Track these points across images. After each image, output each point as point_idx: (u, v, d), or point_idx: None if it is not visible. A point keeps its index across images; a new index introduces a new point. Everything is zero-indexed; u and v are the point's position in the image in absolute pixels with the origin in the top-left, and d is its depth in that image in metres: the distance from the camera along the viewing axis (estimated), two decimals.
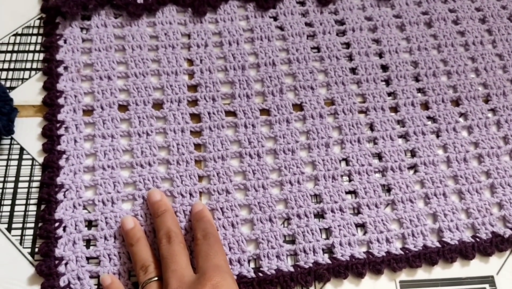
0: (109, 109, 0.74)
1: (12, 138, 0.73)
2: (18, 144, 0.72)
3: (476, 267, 0.70)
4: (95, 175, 0.70)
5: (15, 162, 0.71)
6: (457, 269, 0.69)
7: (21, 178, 0.70)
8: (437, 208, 0.71)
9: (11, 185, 0.70)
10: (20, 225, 0.68)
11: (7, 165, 0.71)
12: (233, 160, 0.73)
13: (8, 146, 0.72)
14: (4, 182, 0.70)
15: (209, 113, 0.75)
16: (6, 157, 0.72)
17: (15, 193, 0.69)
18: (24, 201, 0.69)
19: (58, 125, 0.72)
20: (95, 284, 0.64)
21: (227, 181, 0.71)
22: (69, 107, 0.73)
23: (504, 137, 0.77)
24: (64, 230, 0.66)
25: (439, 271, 0.69)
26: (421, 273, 0.69)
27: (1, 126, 0.68)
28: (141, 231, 0.65)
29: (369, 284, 0.68)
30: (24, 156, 0.71)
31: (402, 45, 0.83)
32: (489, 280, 0.69)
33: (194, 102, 0.76)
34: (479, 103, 0.79)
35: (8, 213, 0.68)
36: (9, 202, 0.69)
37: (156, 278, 0.60)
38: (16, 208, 0.69)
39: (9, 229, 0.67)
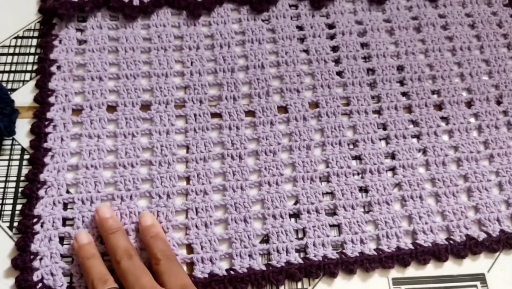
0: (97, 109, 0.74)
1: (13, 139, 0.73)
2: (19, 144, 0.73)
3: (468, 265, 0.69)
4: (78, 174, 0.70)
5: (17, 162, 0.72)
6: (449, 267, 0.69)
7: (22, 178, 0.71)
8: (412, 211, 0.70)
9: (13, 184, 0.70)
10: None
11: (8, 165, 0.71)
12: (215, 161, 0.73)
13: (9, 147, 0.73)
14: (6, 181, 0.71)
15: (195, 115, 0.74)
16: (7, 157, 0.72)
17: (16, 193, 0.70)
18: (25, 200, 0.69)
19: (46, 123, 0.72)
20: (67, 282, 0.65)
21: (206, 182, 0.70)
22: (59, 106, 0.74)
23: (484, 141, 0.76)
24: (41, 226, 0.66)
25: (430, 269, 0.69)
26: (413, 271, 0.69)
27: (3, 127, 0.69)
28: (96, 249, 0.63)
29: (361, 280, 0.68)
30: (25, 157, 0.72)
31: (390, 49, 0.82)
32: (480, 277, 0.69)
33: (182, 104, 0.75)
34: (461, 108, 0.78)
35: (9, 212, 0.69)
36: (11, 201, 0.69)
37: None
38: (18, 207, 0.69)
39: (10, 227, 0.67)
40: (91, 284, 0.58)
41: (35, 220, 0.67)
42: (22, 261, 0.64)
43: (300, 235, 0.69)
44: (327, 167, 0.73)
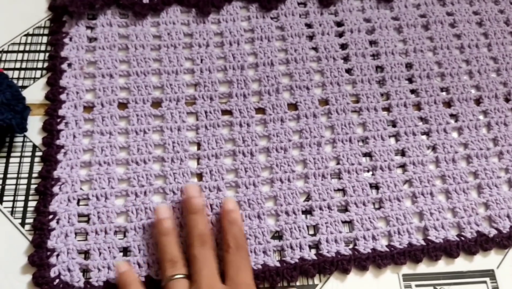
0: (109, 106, 0.74)
1: (25, 136, 0.73)
2: (30, 141, 0.73)
3: (477, 261, 0.70)
4: (91, 170, 0.70)
5: (28, 160, 0.72)
6: (458, 263, 0.69)
7: (33, 175, 0.71)
8: (423, 207, 0.70)
9: (25, 181, 0.70)
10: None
11: (20, 162, 0.71)
12: (226, 158, 0.73)
13: (21, 144, 0.73)
14: (17, 178, 0.71)
15: (206, 112, 0.74)
16: (19, 154, 0.72)
17: (28, 189, 0.70)
18: (37, 197, 0.69)
19: (58, 120, 0.72)
20: (85, 278, 0.65)
21: (219, 179, 0.70)
22: (70, 103, 0.73)
23: (493, 138, 0.76)
24: (57, 222, 0.66)
25: (440, 265, 0.69)
26: (423, 267, 0.69)
27: (15, 124, 0.69)
28: (174, 224, 0.64)
29: (373, 277, 0.68)
30: (37, 154, 0.72)
31: (398, 47, 0.82)
32: (490, 273, 0.69)
33: (192, 101, 0.75)
34: (470, 105, 0.78)
35: (21, 209, 0.69)
36: (23, 198, 0.69)
37: (184, 276, 0.59)
38: (30, 203, 0.69)
39: (22, 224, 0.67)
40: (161, 263, 0.61)
41: (50, 216, 0.67)
42: (39, 258, 0.64)
43: (311, 232, 0.68)
44: (338, 164, 0.73)
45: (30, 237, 0.67)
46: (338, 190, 0.72)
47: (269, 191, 0.70)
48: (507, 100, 0.80)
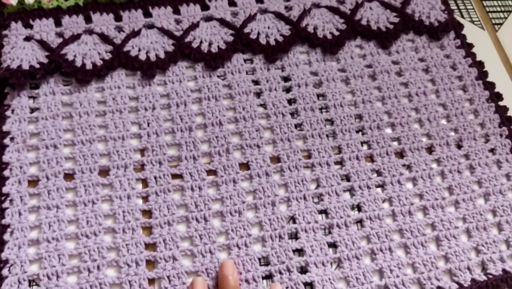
0: (54, 178, 0.70)
1: None
2: None
3: None
4: (40, 248, 0.65)
5: None
6: None
7: None
8: (383, 264, 0.67)
9: None
10: None
11: None
12: (180, 224, 0.69)
13: None
14: None
15: (155, 178, 0.71)
16: None
17: None
18: None
19: (3, 198, 0.68)
20: None
21: (173, 248, 0.66)
22: (14, 179, 0.69)
23: (448, 187, 0.74)
24: None
25: None
26: None
27: None
28: None
29: None
30: None
31: (347, 98, 0.80)
32: None
33: (141, 167, 0.71)
34: (423, 154, 0.76)
35: None
36: None
37: None
38: None
39: None
40: None
41: None
42: None
43: None
44: (294, 223, 0.69)
45: None
46: (296, 250, 0.68)
47: (227, 258, 0.67)
48: (459, 147, 0.78)
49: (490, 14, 0.96)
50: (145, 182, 0.72)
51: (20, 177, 0.70)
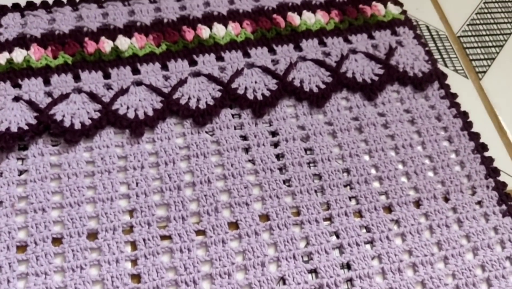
0: (42, 243, 0.68)
1: None
2: None
3: None
4: None
5: None
6: None
7: None
8: None
9: None
10: None
11: None
12: (169, 288, 0.66)
13: None
14: None
15: (144, 240, 0.69)
16: None
17: None
18: None
19: None
20: None
21: None
22: (3, 245, 0.68)
23: (437, 242, 0.73)
24: None
25: None
26: None
27: None
28: None
29: None
30: None
31: (334, 152, 0.79)
32: None
33: (129, 229, 0.69)
34: (410, 209, 0.75)
35: None
36: None
37: None
38: None
39: None
40: None
41: None
42: None
43: None
44: (284, 284, 0.67)
45: None
46: None
47: None
48: (446, 200, 0.76)
49: (473, 62, 0.95)
50: (134, 245, 0.70)
51: (9, 243, 0.68)
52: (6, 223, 0.70)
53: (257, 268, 0.69)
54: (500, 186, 0.79)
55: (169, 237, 0.71)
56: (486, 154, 0.82)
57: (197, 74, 0.85)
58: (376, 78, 0.87)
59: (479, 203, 0.77)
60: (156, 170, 0.76)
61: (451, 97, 0.88)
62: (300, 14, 0.94)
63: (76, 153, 0.76)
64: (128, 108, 0.80)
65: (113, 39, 0.86)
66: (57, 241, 0.70)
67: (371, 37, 0.93)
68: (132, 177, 0.75)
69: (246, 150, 0.80)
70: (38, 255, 0.68)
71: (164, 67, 0.86)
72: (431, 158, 0.81)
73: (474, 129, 0.84)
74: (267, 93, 0.84)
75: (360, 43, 0.91)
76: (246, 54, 0.89)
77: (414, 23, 0.98)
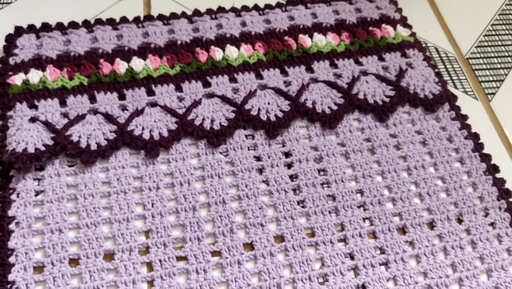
0: (59, 264, 0.66)
1: None
2: None
3: None
4: None
5: None
6: None
7: None
8: None
9: None
10: None
11: None
12: None
13: None
14: None
15: (160, 261, 0.67)
16: None
17: None
18: None
19: (8, 286, 0.64)
20: None
21: None
22: (20, 266, 0.66)
23: (451, 264, 0.71)
24: None
25: None
26: None
27: None
28: None
29: None
30: None
31: (347, 173, 0.77)
32: None
33: (145, 250, 0.68)
34: (424, 230, 0.73)
35: None
36: None
37: None
38: None
39: None
40: None
41: None
42: None
43: None
44: None
45: None
46: None
47: None
48: (459, 221, 0.75)
49: (482, 83, 0.94)
50: (150, 266, 0.68)
51: (26, 264, 0.67)
52: (23, 244, 0.68)
53: None
54: None
55: (185, 258, 0.70)
56: (498, 175, 0.80)
57: (211, 96, 0.84)
58: (387, 100, 0.86)
59: (492, 224, 0.76)
60: (171, 191, 0.75)
61: (461, 119, 0.86)
62: (311, 36, 0.92)
63: (92, 174, 0.75)
64: (143, 129, 0.79)
65: (128, 61, 0.85)
66: (74, 262, 0.68)
67: (381, 59, 0.92)
68: (148, 197, 0.73)
69: (260, 170, 0.78)
70: (55, 276, 0.66)
71: (178, 88, 0.85)
72: (443, 180, 0.79)
73: (484, 150, 0.83)
74: (280, 114, 0.82)
75: (371, 65, 0.90)
76: (259, 76, 0.87)
77: (424, 45, 0.97)
